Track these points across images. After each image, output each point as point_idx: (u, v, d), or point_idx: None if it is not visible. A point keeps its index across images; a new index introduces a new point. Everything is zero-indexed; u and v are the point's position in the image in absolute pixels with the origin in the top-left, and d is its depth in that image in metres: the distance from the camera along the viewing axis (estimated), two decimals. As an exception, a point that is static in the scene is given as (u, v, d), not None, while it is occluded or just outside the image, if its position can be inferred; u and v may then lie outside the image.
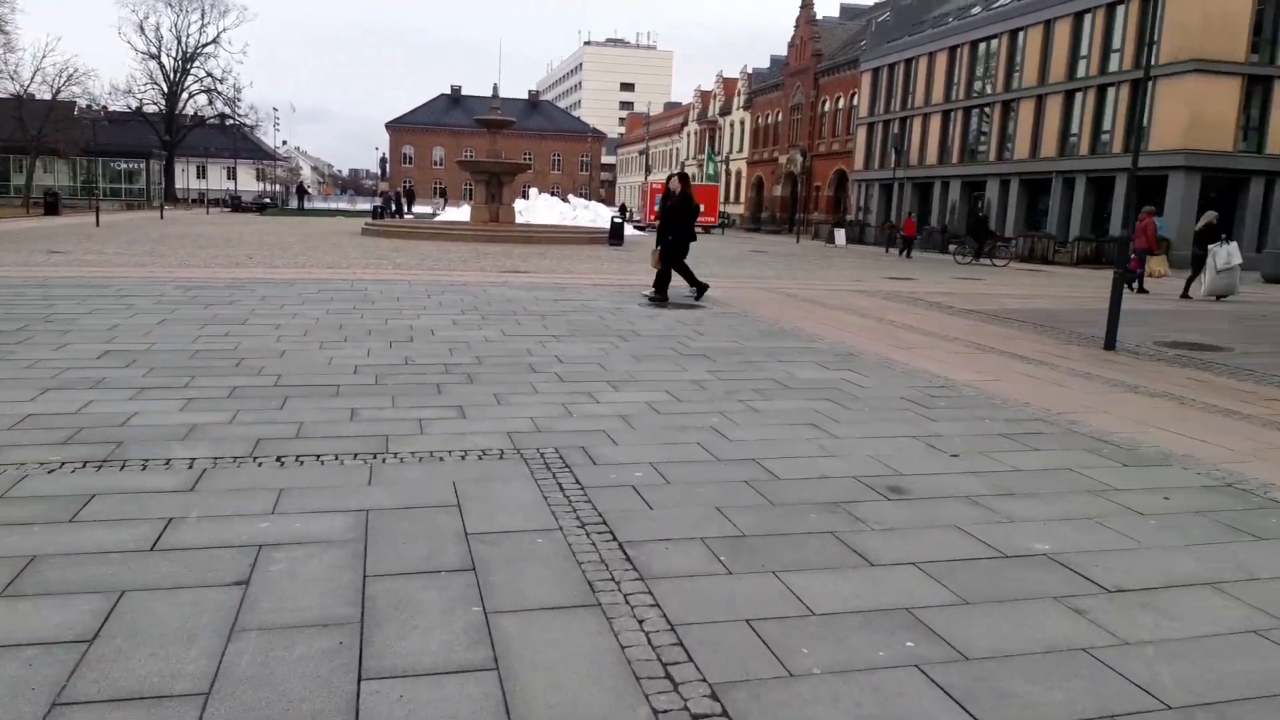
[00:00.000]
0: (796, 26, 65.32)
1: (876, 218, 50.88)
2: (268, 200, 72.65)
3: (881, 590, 3.43)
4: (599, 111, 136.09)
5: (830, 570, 3.60)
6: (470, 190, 42.16)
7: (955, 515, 4.31)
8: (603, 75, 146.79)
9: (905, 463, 5.17)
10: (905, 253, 34.16)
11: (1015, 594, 3.45)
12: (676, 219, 12.98)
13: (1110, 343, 10.24)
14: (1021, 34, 40.91)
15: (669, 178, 13.68)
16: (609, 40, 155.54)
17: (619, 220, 33.68)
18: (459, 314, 10.76)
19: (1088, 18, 37.14)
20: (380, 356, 7.87)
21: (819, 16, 65.16)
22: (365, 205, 65.12)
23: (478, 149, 53.62)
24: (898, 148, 46.36)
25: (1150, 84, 33.99)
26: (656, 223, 14.07)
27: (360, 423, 5.58)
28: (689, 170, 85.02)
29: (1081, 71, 37.51)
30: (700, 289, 13.26)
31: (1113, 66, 35.82)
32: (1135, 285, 19.00)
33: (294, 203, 72.52)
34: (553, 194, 64.60)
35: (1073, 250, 32.97)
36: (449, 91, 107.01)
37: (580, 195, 70.91)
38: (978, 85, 44.23)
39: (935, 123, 47.02)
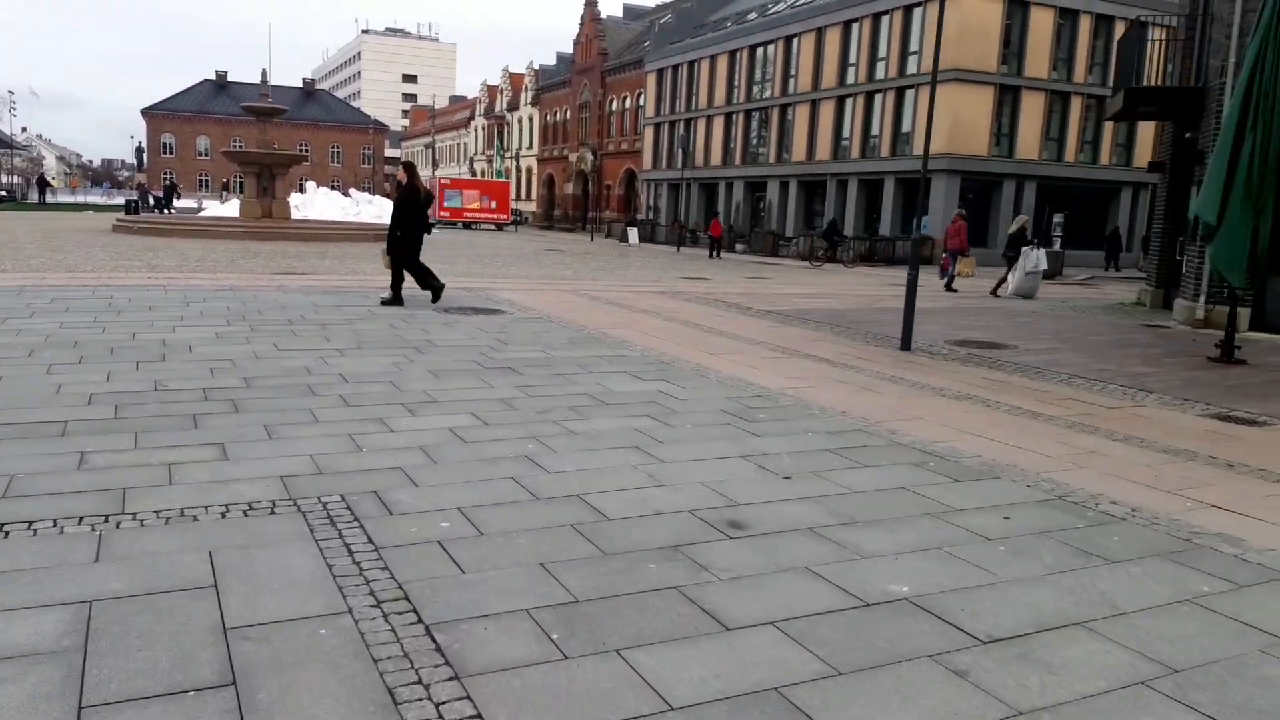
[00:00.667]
0: (581, 24, 65.30)
1: (666, 217, 51.67)
2: (3, 194, 64.71)
3: (744, 664, 2.92)
4: (380, 103, 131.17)
5: (682, 641, 3.06)
6: (241, 184, 39.09)
7: (803, 553, 3.90)
8: (383, 66, 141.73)
9: (739, 489, 4.73)
10: (715, 253, 34.09)
11: (888, 655, 3.04)
12: (404, 213, 11.86)
13: (906, 343, 10.41)
14: (796, 41, 42.57)
15: (400, 168, 12.69)
16: (388, 30, 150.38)
17: (406, 217, 32.15)
18: (223, 325, 9.50)
19: (855, 27, 39.10)
20: (123, 381, 6.66)
21: (603, 15, 65.42)
22: (123, 199, 59.21)
23: (248, 139, 50.07)
24: (684, 148, 47.19)
25: (914, 91, 36.49)
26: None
27: (91, 472, 4.53)
28: (477, 166, 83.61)
29: (851, 79, 39.45)
30: (436, 290, 12.06)
31: (879, 74, 37.88)
32: (946, 283, 20.34)
33: (34, 196, 64.99)
34: (333, 188, 61.42)
35: (850, 249, 34.54)
36: (214, 77, 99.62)
37: (363, 190, 67.83)
38: (757, 89, 45.69)
39: (718, 124, 48.22)
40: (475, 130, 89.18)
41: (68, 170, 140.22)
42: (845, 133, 39.84)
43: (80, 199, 72.94)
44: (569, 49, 68.84)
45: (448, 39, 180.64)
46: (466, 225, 54.27)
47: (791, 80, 42.82)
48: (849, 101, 39.57)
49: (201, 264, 17.73)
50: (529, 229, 61.67)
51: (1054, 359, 9.97)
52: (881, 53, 37.81)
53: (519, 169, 76.00)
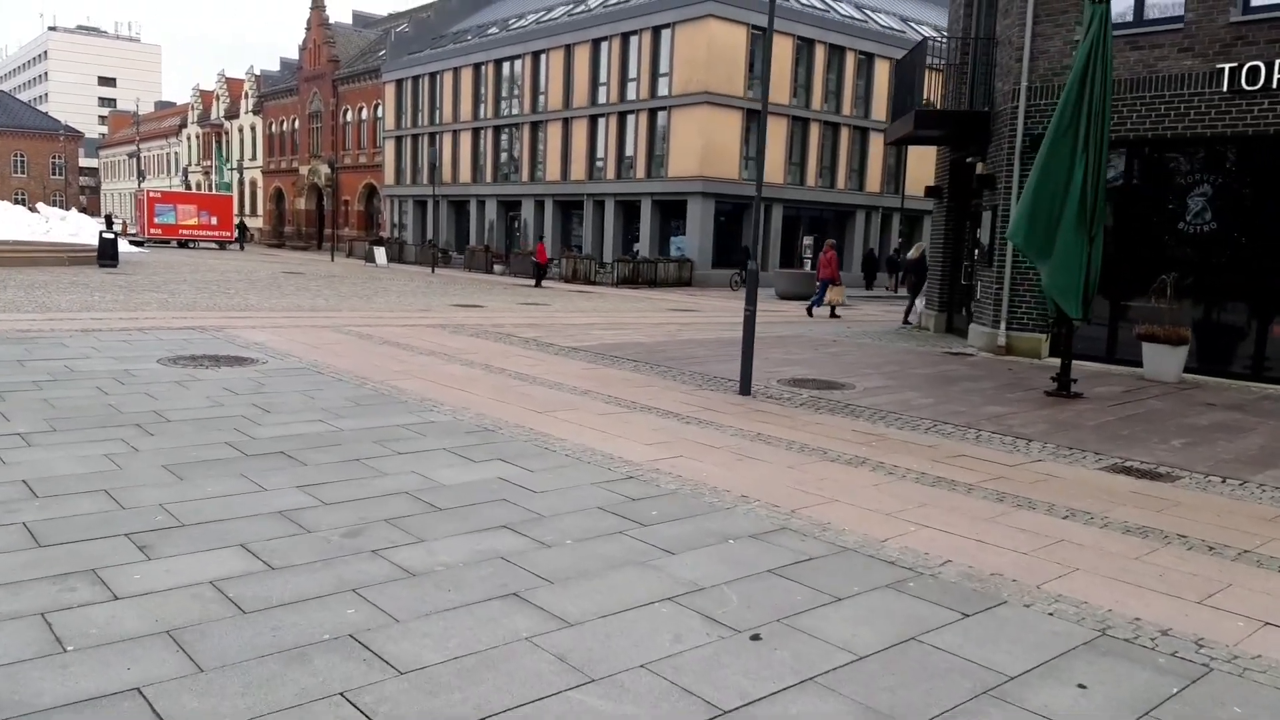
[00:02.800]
0: (309, 29, 60.81)
1: (414, 235, 48.76)
2: None
3: None
4: (73, 107, 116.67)
5: None
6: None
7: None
8: (75, 67, 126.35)
9: (706, 675, 3.11)
10: (538, 282, 30.87)
11: None
12: None
13: (746, 388, 9.22)
14: (544, 57, 41.35)
15: None
16: (81, 28, 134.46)
17: (109, 234, 27.64)
18: None
19: (604, 46, 38.48)
20: None
21: (332, 21, 61.29)
22: None
23: (-102, 142, 41.91)
24: (433, 164, 44.69)
25: (667, 113, 36.40)
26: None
27: None
28: (193, 178, 75.95)
29: (603, 98, 38.78)
30: None
31: (631, 95, 37.45)
32: (814, 310, 20.08)
33: None
34: (17, 202, 53.15)
35: (613, 271, 33.63)
36: None
37: (54, 204, 59.33)
38: (505, 105, 44.06)
39: (466, 140, 46.05)
40: (189, 139, 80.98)
41: None
42: (600, 153, 39.09)
43: None
44: (294, 55, 63.97)
45: (151, 40, 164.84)
46: (183, 244, 48.61)
47: (541, 97, 41.55)
48: (602, 121, 38.86)
49: None
50: (257, 247, 56.38)
51: (900, 399, 9.11)
52: (632, 73, 37.40)
53: (243, 181, 69.64)
